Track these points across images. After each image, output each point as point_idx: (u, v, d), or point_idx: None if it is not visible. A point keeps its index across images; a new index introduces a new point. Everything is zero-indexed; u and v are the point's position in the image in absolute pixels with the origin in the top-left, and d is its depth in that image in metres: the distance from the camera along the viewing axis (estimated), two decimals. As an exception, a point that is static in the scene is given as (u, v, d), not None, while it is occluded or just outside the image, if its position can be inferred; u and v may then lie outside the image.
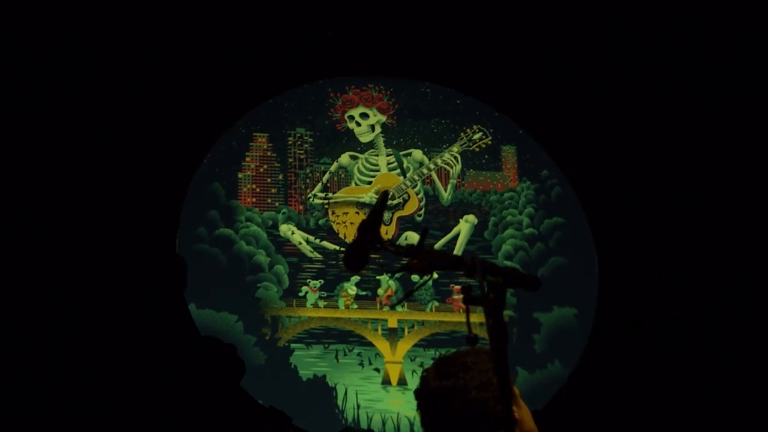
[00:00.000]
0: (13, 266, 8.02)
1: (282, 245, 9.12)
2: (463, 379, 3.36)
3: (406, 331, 9.05)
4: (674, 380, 8.84)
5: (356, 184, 9.42)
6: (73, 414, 7.85)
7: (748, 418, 8.46)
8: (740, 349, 8.69)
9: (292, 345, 8.89)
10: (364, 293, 9.12)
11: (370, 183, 9.39)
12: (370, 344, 8.99)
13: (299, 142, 9.50)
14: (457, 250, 9.19)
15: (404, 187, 9.46)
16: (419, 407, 3.47)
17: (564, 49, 9.32)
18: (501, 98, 9.81)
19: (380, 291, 9.13)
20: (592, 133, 9.43)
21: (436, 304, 9.15)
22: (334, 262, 9.08)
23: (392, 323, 9.07)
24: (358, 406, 8.80)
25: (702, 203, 9.32)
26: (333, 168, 9.46)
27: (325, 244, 9.17)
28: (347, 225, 9.15)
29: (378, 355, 8.97)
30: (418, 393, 3.48)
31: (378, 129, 9.63)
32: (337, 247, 9.08)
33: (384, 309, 9.11)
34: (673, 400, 8.76)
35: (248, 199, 9.23)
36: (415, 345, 9.02)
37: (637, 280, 9.25)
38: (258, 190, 9.29)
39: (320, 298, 9.04)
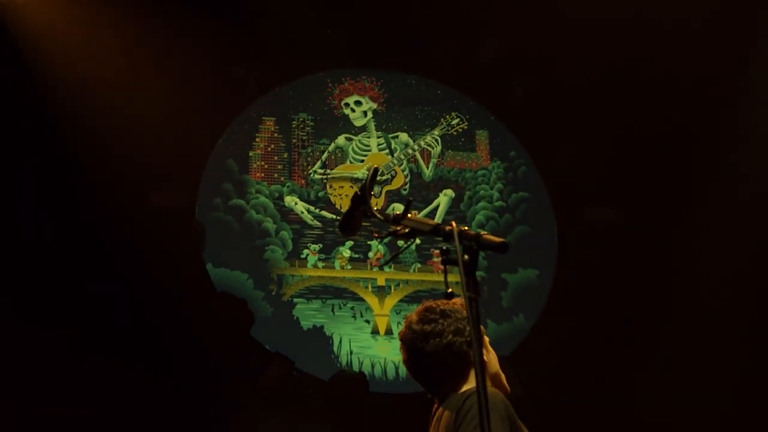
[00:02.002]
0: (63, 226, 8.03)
1: (287, 214, 9.10)
2: (441, 324, 3.39)
3: (392, 288, 9.05)
4: (619, 333, 8.89)
5: (351, 162, 9.38)
6: (105, 349, 7.87)
7: (685, 371, 8.49)
8: (682, 313, 8.70)
9: (295, 299, 8.87)
10: (357, 256, 9.11)
11: (362, 161, 9.36)
12: (362, 299, 8.98)
13: (302, 126, 9.46)
14: (437, 220, 9.17)
15: (392, 165, 9.43)
16: (403, 347, 3.49)
17: (530, 48, 9.28)
18: (476, 90, 9.82)
19: (371, 254, 9.13)
20: (553, 121, 9.42)
21: (419, 265, 9.17)
22: (331, 229, 9.05)
23: (381, 282, 9.08)
24: (351, 352, 8.79)
25: (646, 173, 9.34)
26: (331, 148, 9.41)
27: (324, 213, 9.14)
28: (343, 197, 9.12)
29: (368, 308, 8.96)
30: (402, 335, 3.49)
31: (370, 115, 9.59)
32: (334, 216, 9.03)
33: (374, 269, 9.12)
34: (618, 350, 8.81)
35: (258, 174, 9.20)
36: (400, 300, 9.02)
37: (591, 246, 9.29)
38: (266, 166, 9.25)
39: (319, 259, 9.02)
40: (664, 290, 8.88)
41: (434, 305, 3.49)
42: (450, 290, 2.61)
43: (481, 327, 3.44)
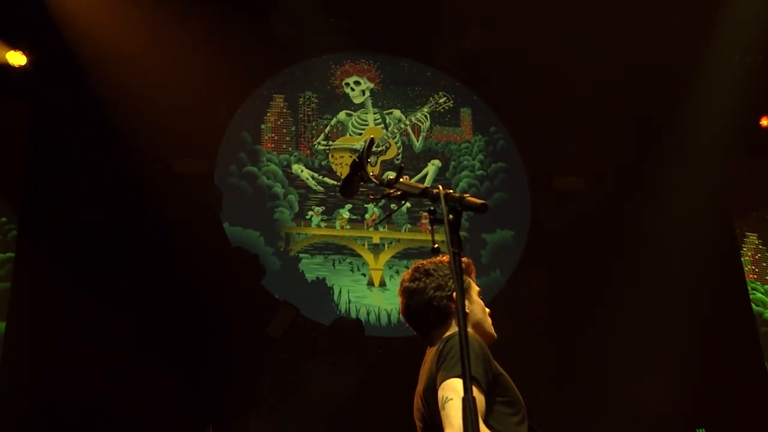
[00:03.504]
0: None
1: (294, 180, 9.10)
2: (423, 282, 3.44)
3: (386, 246, 9.07)
4: (584, 284, 8.98)
5: (350, 135, 9.37)
6: (138, 293, 7.97)
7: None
8: (638, 266, 8.78)
9: (300, 255, 8.89)
10: (355, 217, 9.12)
11: (360, 134, 9.35)
12: (359, 255, 9.00)
13: (307, 102, 9.44)
14: (425, 186, 9.17)
15: (386, 137, 9.43)
16: (400, 301, 3.53)
17: (509, 37, 9.28)
18: (461, 72, 9.82)
19: (367, 216, 9.14)
20: (528, 101, 9.44)
21: (409, 226, 9.18)
22: (333, 194, 9.05)
23: (376, 240, 9.09)
24: (349, 301, 8.81)
25: (609, 148, 9.37)
26: (333, 122, 9.40)
27: (327, 179, 9.14)
28: (343, 165, 9.09)
29: (364, 263, 8.98)
30: (398, 291, 3.53)
31: (367, 93, 9.58)
32: (336, 182, 9.01)
33: (370, 229, 9.12)
34: (582, 298, 8.91)
35: (269, 145, 9.19)
36: (393, 256, 9.04)
37: (559, 210, 9.35)
38: (276, 138, 9.24)
39: (322, 220, 9.02)
40: (624, 248, 8.98)
41: (421, 265, 3.52)
42: (436, 246, 2.64)
43: (471, 280, 3.52)
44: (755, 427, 8.50)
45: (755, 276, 9.16)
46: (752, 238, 9.32)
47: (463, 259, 3.41)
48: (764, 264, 9.23)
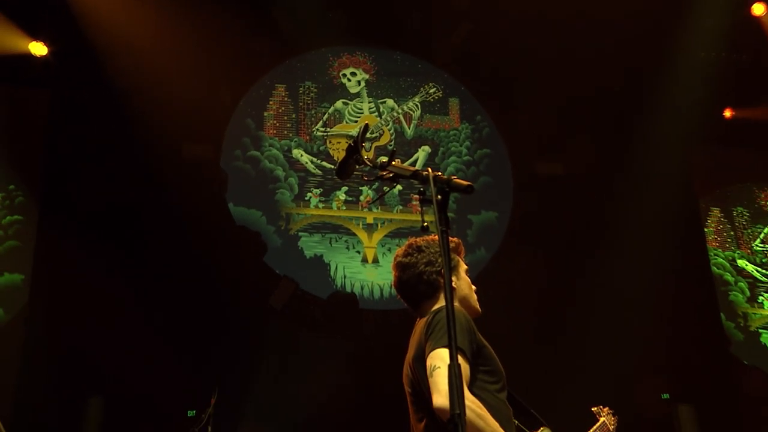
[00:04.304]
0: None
1: (294, 164, 9.12)
2: (415, 257, 3.47)
3: (379, 225, 9.08)
4: (561, 261, 9.05)
5: (347, 122, 9.38)
6: (150, 266, 8.01)
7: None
8: (613, 242, 8.86)
9: (300, 233, 8.90)
10: (350, 199, 9.13)
11: (356, 122, 9.35)
12: (354, 234, 9.01)
13: (307, 91, 9.45)
14: (416, 170, 9.16)
15: (380, 125, 9.44)
16: (393, 274, 3.55)
17: (494, 33, 9.29)
18: (450, 65, 9.84)
19: (362, 197, 9.15)
20: (512, 92, 9.48)
21: (401, 207, 9.20)
22: (330, 177, 9.07)
23: (369, 220, 9.09)
24: (345, 276, 8.84)
25: (587, 136, 9.47)
26: (330, 110, 9.41)
27: (324, 164, 9.15)
28: (340, 151, 9.08)
29: (359, 241, 8.99)
30: (392, 265, 3.56)
31: (363, 84, 9.59)
32: (333, 167, 9.00)
33: (364, 210, 9.14)
34: (560, 273, 9.00)
35: (271, 131, 9.20)
36: (385, 235, 9.06)
37: (540, 194, 9.41)
38: (277, 124, 9.25)
39: (320, 201, 9.04)
40: (599, 226, 9.05)
41: (414, 242, 3.53)
42: (426, 224, 2.64)
43: (460, 259, 3.55)
44: (708, 368, 8.94)
45: (717, 244, 9.63)
46: (715, 211, 9.80)
47: (455, 239, 3.49)
48: (725, 234, 9.66)
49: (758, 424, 8.74)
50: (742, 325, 9.12)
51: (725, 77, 9.49)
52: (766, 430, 8.67)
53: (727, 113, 9.90)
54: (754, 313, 9.15)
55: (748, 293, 9.25)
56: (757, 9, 9.19)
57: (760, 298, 9.26)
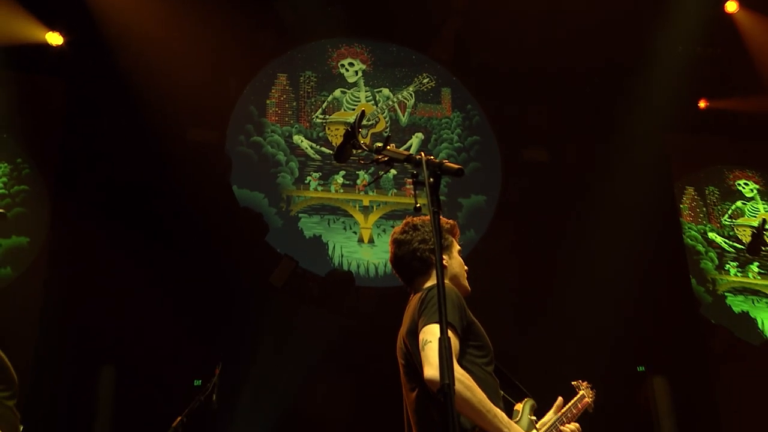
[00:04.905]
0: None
1: (295, 149, 9.12)
2: (410, 235, 3.50)
3: (374, 207, 9.09)
4: (547, 243, 9.13)
5: (345, 110, 9.38)
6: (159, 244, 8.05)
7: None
8: (595, 225, 8.92)
9: (300, 214, 8.92)
10: (348, 182, 9.15)
11: (354, 110, 9.35)
12: (351, 215, 9.03)
13: (308, 81, 9.45)
14: (410, 156, 9.15)
15: (376, 113, 9.46)
16: (389, 251, 3.58)
17: (484, 26, 9.30)
18: (442, 56, 9.83)
19: (358, 181, 9.17)
20: (501, 82, 9.51)
21: (395, 191, 9.22)
22: (329, 161, 9.10)
23: (366, 202, 9.10)
24: (342, 256, 8.86)
25: (571, 124, 9.53)
26: (329, 99, 9.41)
27: (323, 149, 9.17)
28: (338, 137, 9.05)
29: (356, 223, 9.00)
30: (389, 241, 3.60)
31: (360, 73, 9.59)
32: (331, 152, 9.01)
33: (360, 193, 9.16)
34: (546, 254, 9.05)
35: (273, 118, 9.21)
36: (380, 217, 9.07)
37: (527, 179, 9.47)
38: (279, 111, 9.26)
39: (319, 184, 9.06)
40: (581, 207, 9.10)
41: (411, 221, 3.55)
42: (418, 206, 2.69)
43: (454, 239, 3.59)
44: (680, 329, 9.31)
45: (691, 218, 10.11)
46: (690, 190, 10.27)
47: (450, 221, 3.55)
48: (698, 210, 10.18)
49: (724, 379, 9.07)
50: (711, 289, 9.73)
51: (701, 70, 9.66)
52: (731, 384, 8.95)
53: (702, 104, 10.15)
54: (721, 279, 9.79)
55: (716, 261, 9.87)
56: (730, 6, 9.43)
57: (727, 266, 9.87)
